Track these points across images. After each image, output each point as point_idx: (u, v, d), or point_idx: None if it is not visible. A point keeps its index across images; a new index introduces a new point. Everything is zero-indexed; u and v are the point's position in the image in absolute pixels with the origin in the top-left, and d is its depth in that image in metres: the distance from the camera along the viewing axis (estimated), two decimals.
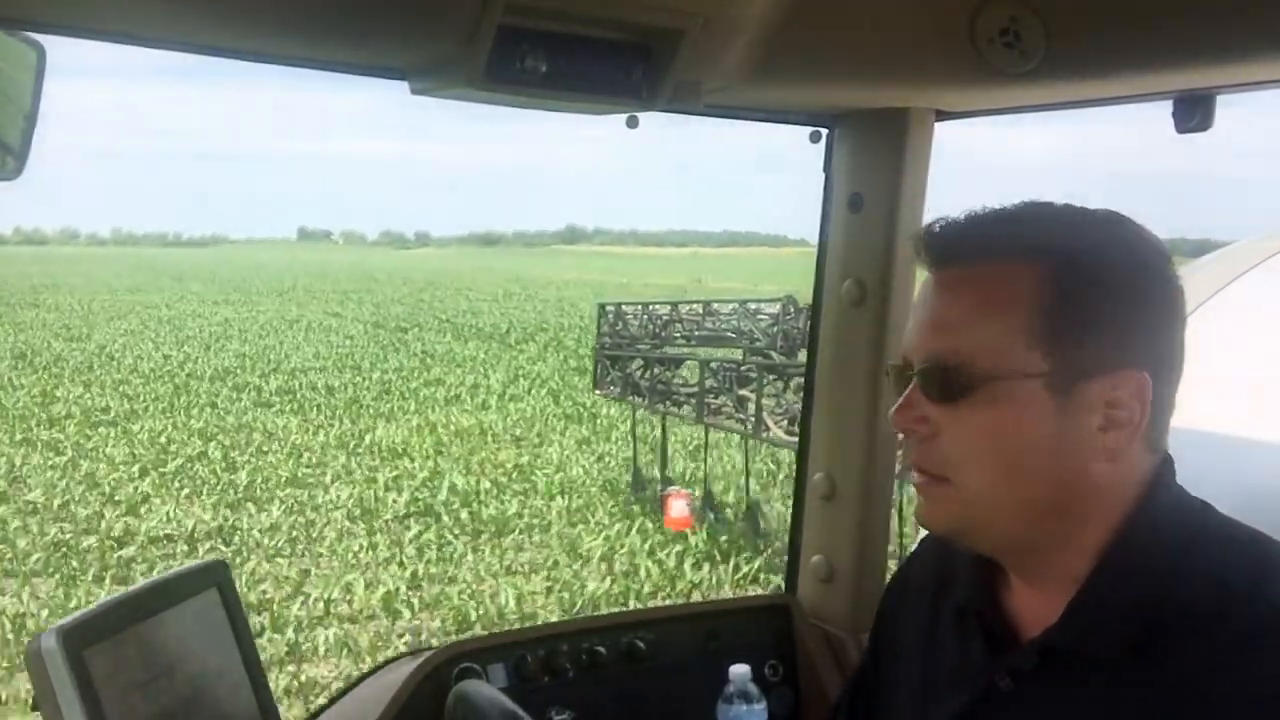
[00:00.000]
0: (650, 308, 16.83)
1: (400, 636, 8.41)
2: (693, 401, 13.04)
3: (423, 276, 74.92)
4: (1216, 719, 1.17)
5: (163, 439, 16.44)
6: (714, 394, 12.72)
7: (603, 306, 16.37)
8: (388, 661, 2.30)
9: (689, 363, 14.11)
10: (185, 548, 10.96)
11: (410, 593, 9.61)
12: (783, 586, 2.66)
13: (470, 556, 10.85)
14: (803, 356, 11.83)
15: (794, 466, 2.61)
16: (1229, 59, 1.69)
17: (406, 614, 8.97)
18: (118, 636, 1.52)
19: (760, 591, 9.48)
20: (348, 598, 9.36)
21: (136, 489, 13.26)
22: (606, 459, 15.11)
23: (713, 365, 13.09)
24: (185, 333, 33.46)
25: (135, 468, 14.37)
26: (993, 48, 1.74)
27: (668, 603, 9.24)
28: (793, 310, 14.38)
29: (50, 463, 14.72)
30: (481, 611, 9.02)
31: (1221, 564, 1.24)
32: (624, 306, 16.85)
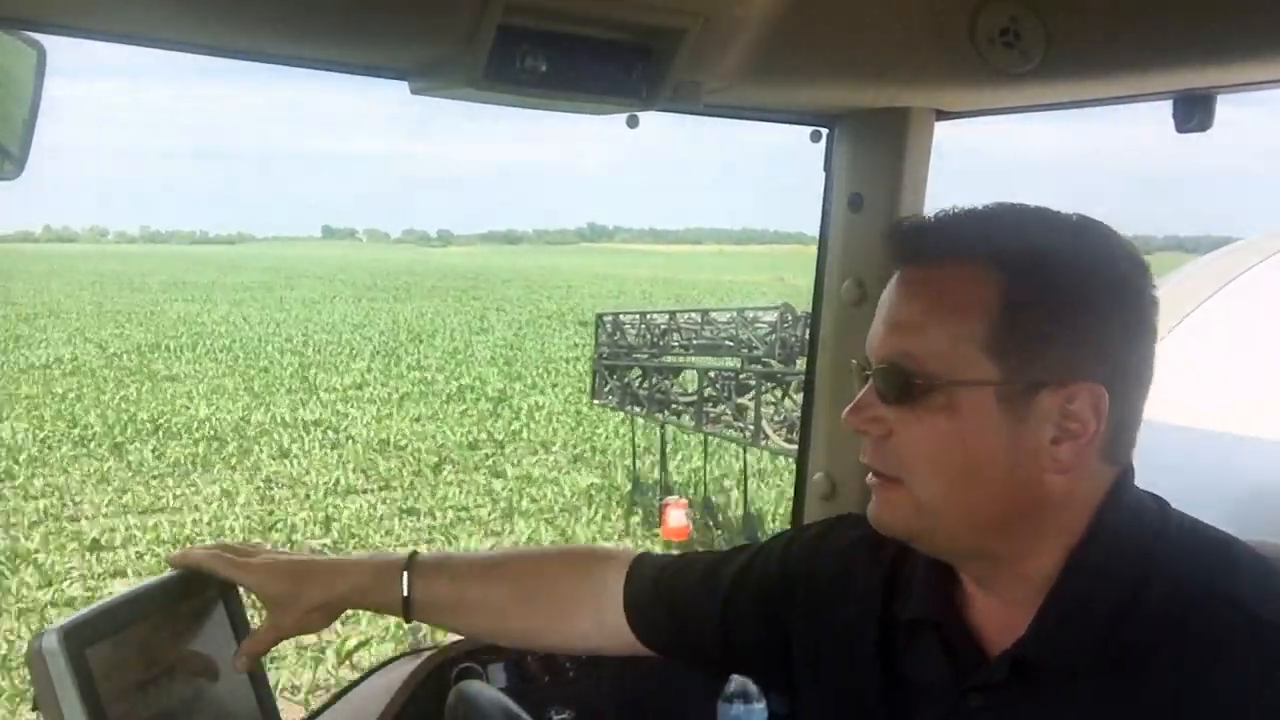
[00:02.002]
0: (648, 317, 16.82)
1: None
2: (691, 410, 13.04)
3: (488, 275, 76.73)
4: None
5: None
6: (712, 402, 12.72)
7: (600, 316, 16.37)
8: (388, 661, 2.30)
9: (687, 371, 14.12)
10: None
11: None
12: None
13: None
14: (801, 364, 11.84)
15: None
16: (1229, 59, 1.70)
17: None
18: (118, 636, 1.52)
19: None
20: None
21: None
22: None
23: (711, 374, 13.09)
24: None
25: None
26: (993, 48, 1.75)
27: None
28: (790, 318, 14.36)
29: None
30: None
31: (1181, 565, 1.23)
32: (622, 316, 16.84)
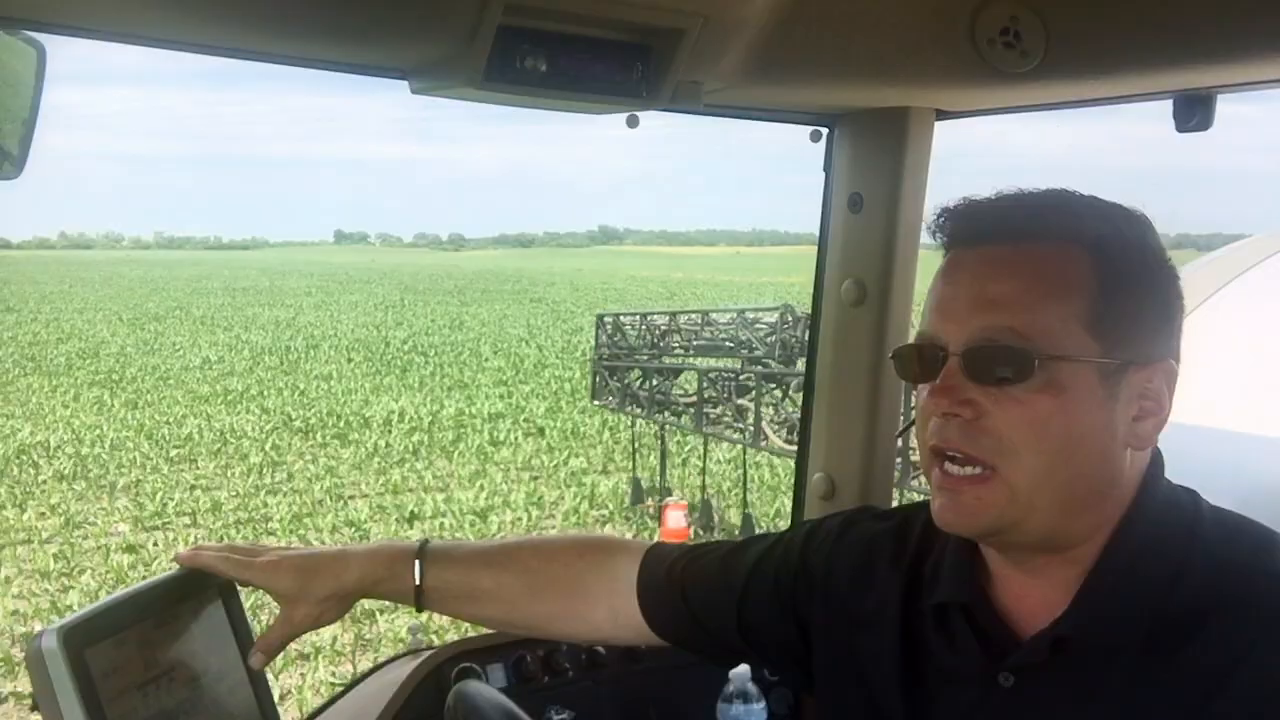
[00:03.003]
0: (648, 318, 16.82)
1: None
2: (691, 411, 13.04)
3: (528, 277, 78.51)
4: (1237, 707, 1.16)
5: None
6: (712, 403, 12.72)
7: (601, 317, 16.37)
8: (388, 661, 2.30)
9: (687, 373, 14.12)
10: None
11: None
12: None
13: None
14: (801, 366, 11.84)
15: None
16: (1229, 59, 1.70)
17: None
18: (118, 636, 1.52)
19: None
20: None
21: None
22: None
23: (711, 375, 13.09)
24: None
25: None
26: (993, 47, 1.74)
27: None
28: (790, 319, 14.36)
29: None
30: None
31: (1225, 545, 1.24)
32: (622, 317, 16.84)
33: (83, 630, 1.47)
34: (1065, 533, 1.27)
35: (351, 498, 14.36)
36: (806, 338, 2.84)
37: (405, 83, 1.78)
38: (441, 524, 13.00)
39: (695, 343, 16.28)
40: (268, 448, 17.26)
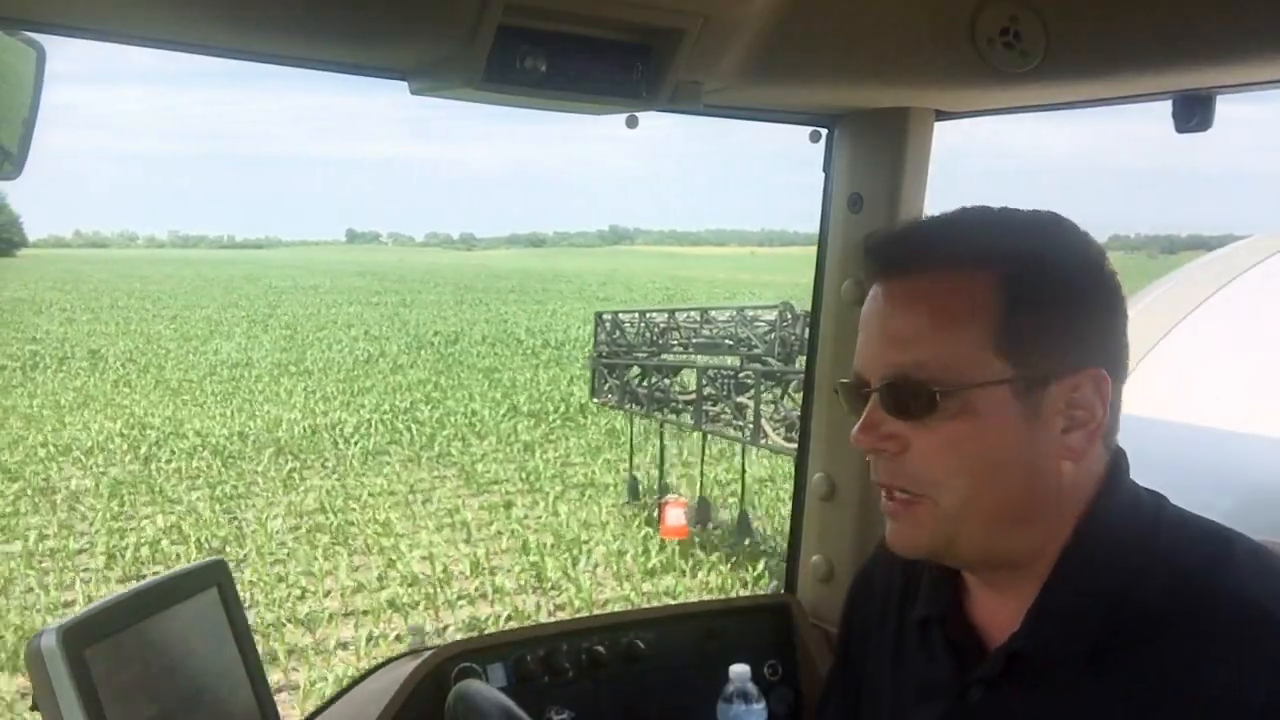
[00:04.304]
0: (648, 315, 16.80)
1: None
2: (691, 409, 13.02)
3: (563, 278, 78.52)
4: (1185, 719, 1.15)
5: None
6: (712, 401, 12.69)
7: (599, 315, 16.34)
8: (388, 661, 2.30)
9: (686, 370, 14.10)
10: None
11: None
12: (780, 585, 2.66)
13: None
14: (801, 363, 11.83)
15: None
16: (1229, 59, 1.69)
17: None
18: (118, 636, 1.52)
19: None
20: None
21: None
22: None
23: (710, 373, 13.07)
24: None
25: None
26: (993, 48, 1.75)
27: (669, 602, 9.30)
28: (790, 317, 14.35)
29: None
30: None
31: (1178, 557, 1.23)
32: (621, 315, 16.81)
33: (82, 630, 1.47)
34: (1006, 550, 1.28)
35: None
36: (806, 335, 2.83)
37: (400, 81, 1.78)
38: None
39: (694, 340, 16.26)
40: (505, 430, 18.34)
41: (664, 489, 12.96)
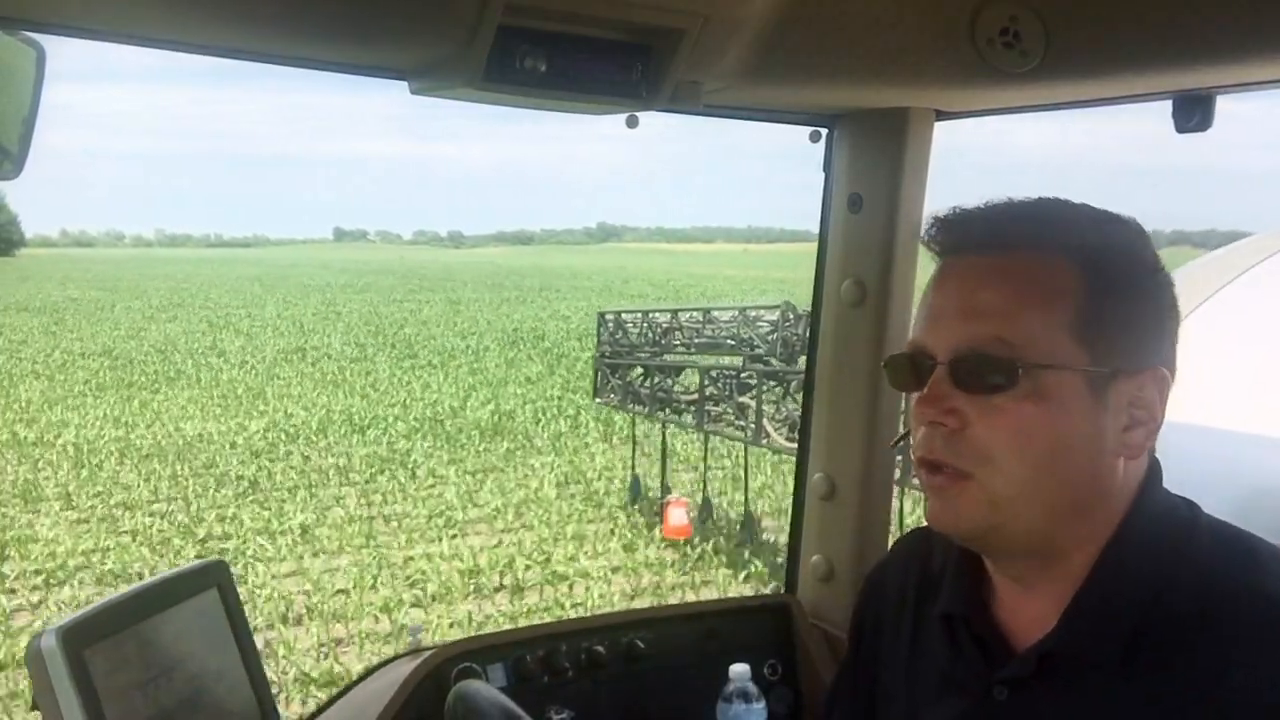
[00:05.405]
0: (650, 315, 16.81)
1: None
2: (693, 409, 13.03)
3: (569, 275, 78.65)
4: None
5: None
6: (714, 401, 12.71)
7: (602, 315, 16.35)
8: (388, 661, 2.30)
9: (689, 370, 14.11)
10: None
11: None
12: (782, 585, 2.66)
13: None
14: (802, 363, 11.83)
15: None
16: (1229, 59, 1.69)
17: None
18: (118, 636, 1.52)
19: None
20: None
21: None
22: None
23: (712, 373, 13.07)
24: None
25: None
26: (993, 48, 1.74)
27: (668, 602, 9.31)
28: (791, 317, 14.36)
29: None
30: None
31: (1214, 561, 1.23)
32: (623, 315, 16.82)
33: (82, 630, 1.47)
34: (1052, 541, 1.27)
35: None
36: (807, 336, 2.84)
37: (402, 82, 1.78)
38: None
39: (697, 340, 16.28)
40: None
41: (665, 489, 12.97)
